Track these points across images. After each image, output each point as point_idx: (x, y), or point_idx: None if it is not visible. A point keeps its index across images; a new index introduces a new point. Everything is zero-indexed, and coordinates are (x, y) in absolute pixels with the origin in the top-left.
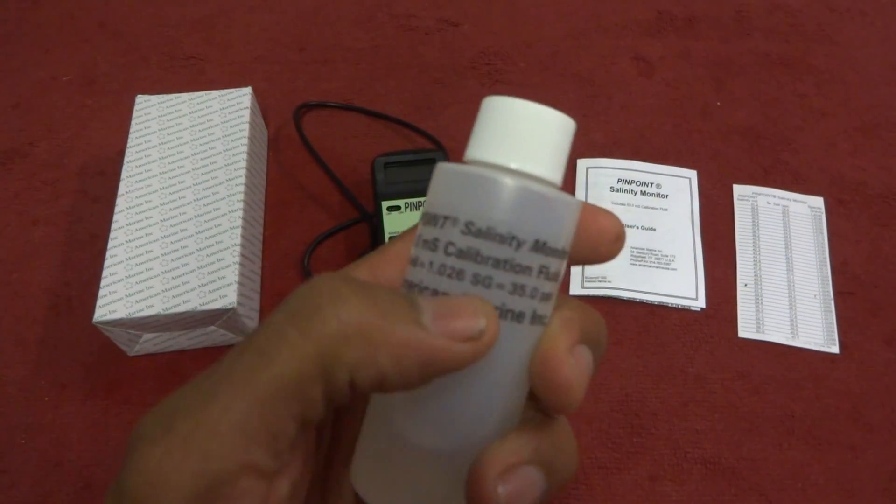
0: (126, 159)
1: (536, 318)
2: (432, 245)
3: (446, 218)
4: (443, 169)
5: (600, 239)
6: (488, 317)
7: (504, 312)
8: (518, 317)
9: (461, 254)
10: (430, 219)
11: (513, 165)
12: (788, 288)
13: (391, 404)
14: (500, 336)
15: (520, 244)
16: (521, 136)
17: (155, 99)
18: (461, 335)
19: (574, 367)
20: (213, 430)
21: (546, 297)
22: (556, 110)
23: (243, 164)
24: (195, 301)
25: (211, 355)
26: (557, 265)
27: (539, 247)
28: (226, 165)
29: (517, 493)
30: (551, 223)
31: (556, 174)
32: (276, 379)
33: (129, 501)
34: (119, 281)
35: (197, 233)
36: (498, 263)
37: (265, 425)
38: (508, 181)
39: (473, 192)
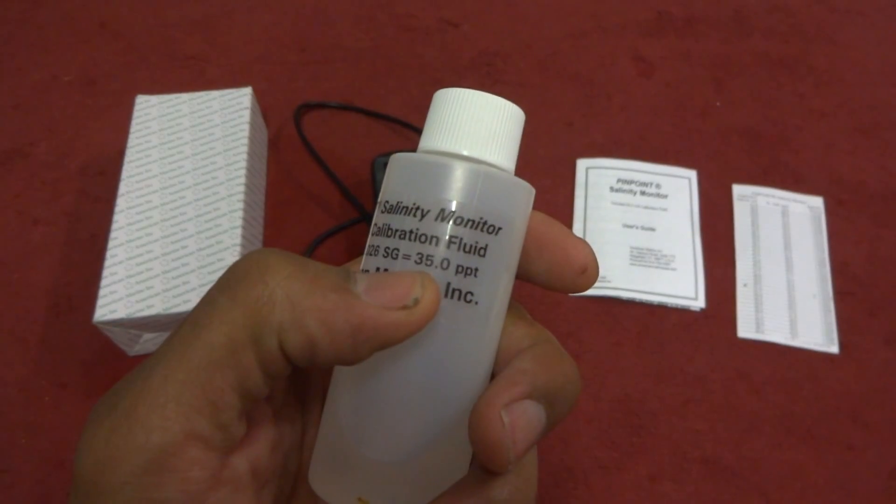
0: (126, 159)
1: (457, 294)
2: (371, 231)
3: (377, 203)
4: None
5: (564, 267)
6: (426, 288)
7: None
8: None
9: (378, 231)
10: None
11: (436, 146)
12: (788, 288)
13: (341, 411)
14: None
15: (424, 214)
16: (447, 121)
17: (155, 99)
18: (394, 303)
19: (503, 426)
20: (154, 402)
21: (465, 270)
22: (481, 91)
23: (243, 164)
24: (195, 301)
25: None
26: (477, 238)
27: (446, 216)
28: (226, 165)
29: None
30: (461, 193)
31: (484, 152)
32: (207, 346)
33: (81, 483)
34: (119, 281)
35: (197, 233)
36: (404, 235)
37: (204, 394)
38: (412, 156)
39: (390, 173)
